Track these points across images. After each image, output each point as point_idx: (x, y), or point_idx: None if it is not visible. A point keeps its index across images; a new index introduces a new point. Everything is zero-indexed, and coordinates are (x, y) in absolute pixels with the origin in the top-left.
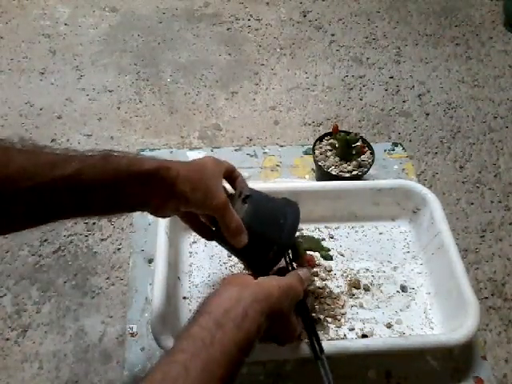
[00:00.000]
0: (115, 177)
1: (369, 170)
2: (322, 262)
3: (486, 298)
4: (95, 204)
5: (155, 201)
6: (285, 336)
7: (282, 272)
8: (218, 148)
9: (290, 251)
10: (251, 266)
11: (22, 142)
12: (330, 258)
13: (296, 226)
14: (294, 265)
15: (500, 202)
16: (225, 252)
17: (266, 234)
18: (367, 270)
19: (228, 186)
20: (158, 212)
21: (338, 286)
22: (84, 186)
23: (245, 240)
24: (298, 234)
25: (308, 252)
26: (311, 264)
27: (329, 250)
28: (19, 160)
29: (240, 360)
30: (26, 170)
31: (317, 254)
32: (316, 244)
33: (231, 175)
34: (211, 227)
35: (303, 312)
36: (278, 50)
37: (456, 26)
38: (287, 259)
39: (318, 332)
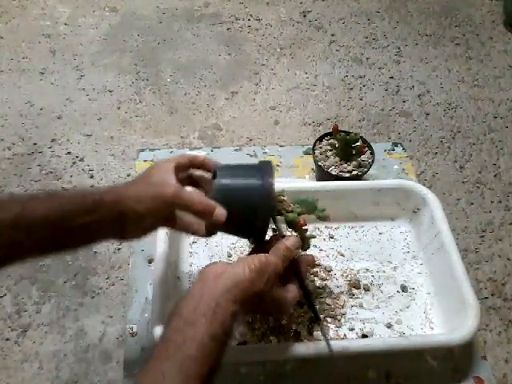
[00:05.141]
0: (62, 211)
1: (369, 169)
2: (322, 262)
3: (486, 298)
4: (52, 240)
5: (109, 226)
6: (276, 309)
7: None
8: (218, 148)
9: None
10: (248, 239)
11: None
12: (325, 218)
13: (272, 184)
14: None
15: (500, 202)
16: (225, 252)
17: (245, 200)
18: (367, 270)
19: (199, 173)
20: (125, 236)
21: (338, 286)
22: (31, 225)
23: (221, 214)
24: (292, 200)
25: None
26: (303, 224)
27: (324, 209)
28: None
29: (219, 350)
30: None
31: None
32: (309, 206)
33: (193, 164)
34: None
35: (298, 279)
36: (278, 50)
37: (456, 26)
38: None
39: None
